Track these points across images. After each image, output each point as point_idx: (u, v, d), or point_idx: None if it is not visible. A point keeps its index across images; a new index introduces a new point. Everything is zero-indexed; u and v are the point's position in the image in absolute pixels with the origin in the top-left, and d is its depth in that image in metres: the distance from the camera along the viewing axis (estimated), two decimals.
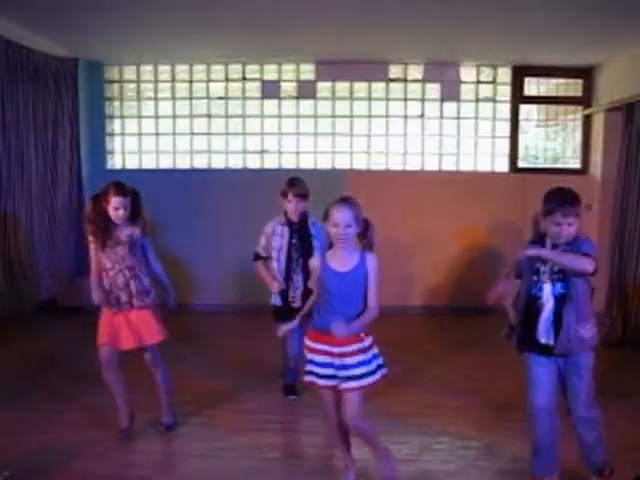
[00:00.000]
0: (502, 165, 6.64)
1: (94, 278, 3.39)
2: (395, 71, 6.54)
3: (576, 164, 6.63)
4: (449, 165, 6.64)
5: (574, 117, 6.63)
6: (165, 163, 6.74)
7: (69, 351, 5.12)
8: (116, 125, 6.77)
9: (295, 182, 3.86)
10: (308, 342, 2.77)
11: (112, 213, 3.29)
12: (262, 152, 6.69)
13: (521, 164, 6.67)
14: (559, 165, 6.74)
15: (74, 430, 3.51)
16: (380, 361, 2.76)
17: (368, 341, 2.71)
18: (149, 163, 6.76)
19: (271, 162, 6.70)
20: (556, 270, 2.63)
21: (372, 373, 2.71)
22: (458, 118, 6.59)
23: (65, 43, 5.75)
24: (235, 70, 6.59)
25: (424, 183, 6.44)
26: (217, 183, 6.43)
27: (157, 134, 6.73)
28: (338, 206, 2.69)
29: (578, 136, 6.62)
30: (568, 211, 2.59)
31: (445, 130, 6.60)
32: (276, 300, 3.90)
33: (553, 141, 6.87)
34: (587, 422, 2.74)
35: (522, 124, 6.64)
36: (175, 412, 3.61)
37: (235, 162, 6.71)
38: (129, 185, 3.38)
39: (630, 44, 5.36)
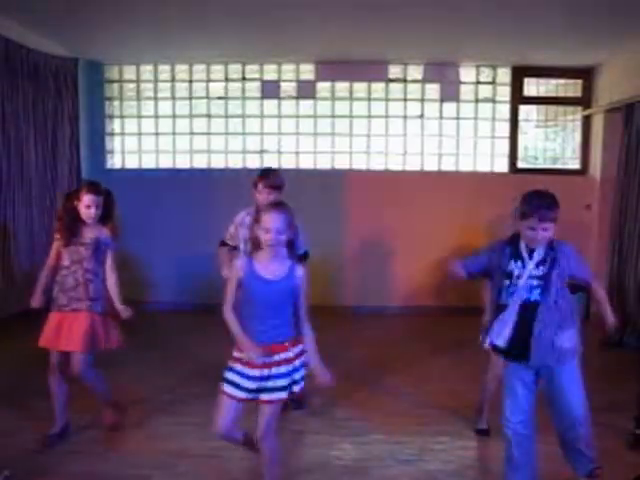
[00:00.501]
0: (501, 165, 6.65)
1: (43, 279, 3.31)
2: (395, 71, 6.54)
3: (575, 165, 6.63)
4: (449, 165, 6.64)
5: (573, 118, 6.63)
6: (165, 163, 6.75)
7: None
8: (116, 125, 6.77)
9: (268, 173, 3.67)
10: (237, 354, 2.56)
11: (83, 211, 3.22)
12: (262, 152, 6.70)
13: (521, 165, 6.68)
14: (559, 166, 6.75)
15: (74, 430, 3.49)
16: (299, 375, 2.61)
17: (293, 352, 2.58)
18: (149, 163, 6.76)
19: (271, 162, 6.67)
20: (535, 275, 2.53)
21: (293, 385, 2.59)
22: (458, 118, 6.59)
23: (65, 42, 5.76)
24: (235, 70, 6.60)
25: (424, 183, 6.44)
26: (217, 183, 6.43)
27: (157, 134, 6.73)
28: (271, 211, 2.54)
29: (578, 136, 6.63)
30: (544, 216, 2.47)
31: (445, 130, 6.61)
32: None
33: (553, 142, 6.87)
34: (584, 437, 2.62)
35: (522, 124, 6.64)
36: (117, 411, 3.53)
37: (235, 162, 6.72)
38: (104, 186, 3.33)
39: (630, 44, 5.37)
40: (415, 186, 6.39)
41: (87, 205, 3.21)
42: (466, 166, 6.64)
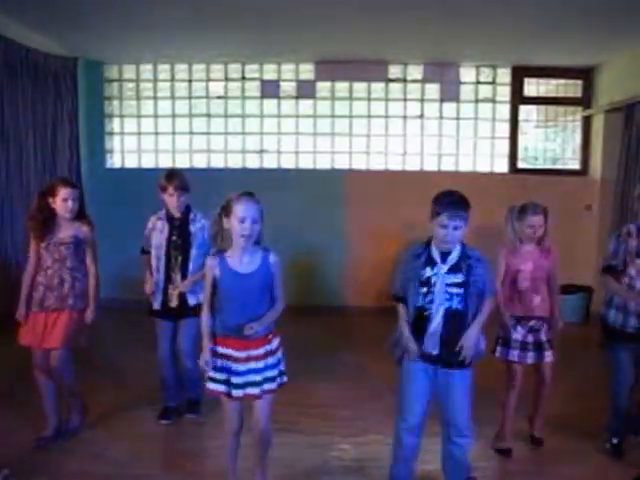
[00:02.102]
0: (501, 166, 6.64)
1: (26, 289, 3.25)
2: (394, 71, 6.54)
3: (575, 165, 6.62)
4: (448, 166, 6.64)
5: (574, 118, 6.62)
6: (164, 162, 6.73)
7: None
8: (115, 124, 6.76)
9: (174, 174, 3.57)
10: (214, 347, 2.55)
11: (61, 205, 3.18)
12: (261, 152, 6.69)
13: (521, 165, 6.67)
14: (559, 166, 6.75)
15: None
16: (282, 367, 2.63)
17: (275, 343, 2.59)
18: (148, 162, 6.75)
19: (270, 162, 6.69)
20: (452, 283, 2.51)
21: (279, 376, 2.60)
22: (458, 119, 6.59)
23: (65, 42, 5.75)
24: (234, 70, 6.59)
25: (423, 183, 6.42)
26: (216, 182, 6.38)
27: (156, 133, 6.72)
28: (244, 200, 2.46)
29: (578, 137, 6.62)
30: (455, 213, 2.47)
31: (444, 130, 6.60)
32: (153, 299, 3.58)
33: (553, 142, 6.86)
34: (468, 437, 2.65)
35: (522, 125, 6.64)
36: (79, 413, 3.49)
37: (234, 162, 6.71)
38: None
39: (630, 44, 5.37)
40: (415, 186, 6.37)
41: (64, 199, 3.17)
42: (466, 166, 6.63)
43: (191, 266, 3.48)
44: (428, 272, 2.53)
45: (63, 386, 3.32)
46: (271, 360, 2.56)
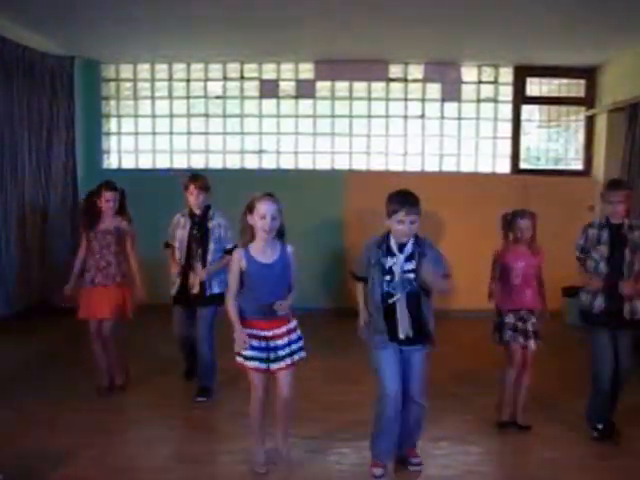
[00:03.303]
0: (503, 166, 6.59)
1: (77, 269, 4.00)
2: (395, 71, 6.49)
3: (578, 165, 6.58)
4: (450, 166, 6.58)
5: (576, 118, 6.58)
6: (162, 163, 6.68)
7: (63, 353, 5.06)
8: (112, 124, 6.71)
9: (197, 176, 4.05)
10: (246, 328, 2.91)
11: (104, 204, 3.96)
12: (260, 152, 6.63)
13: (523, 165, 6.62)
14: (561, 166, 6.69)
15: (70, 432, 3.45)
16: (301, 343, 3.01)
17: (293, 323, 2.99)
18: (146, 163, 6.70)
19: (269, 162, 6.64)
20: (408, 269, 2.84)
21: (299, 350, 2.98)
22: (459, 118, 6.53)
23: (61, 41, 5.71)
24: (233, 69, 6.54)
25: (424, 184, 6.35)
26: (215, 183, 6.33)
27: (154, 133, 6.67)
28: (264, 199, 2.88)
29: (580, 137, 6.58)
30: (411, 209, 2.82)
31: (446, 131, 6.55)
32: (175, 288, 4.03)
33: (555, 142, 6.81)
34: (420, 406, 2.97)
35: (524, 125, 6.58)
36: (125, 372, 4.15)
37: (233, 162, 6.66)
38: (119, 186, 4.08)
39: (633, 43, 5.32)
40: (416, 187, 6.28)
41: (107, 199, 3.97)
42: (467, 167, 6.58)
43: (209, 257, 3.92)
44: (389, 262, 2.87)
45: (111, 350, 4.00)
46: (293, 337, 2.96)
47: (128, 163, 6.73)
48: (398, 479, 3.04)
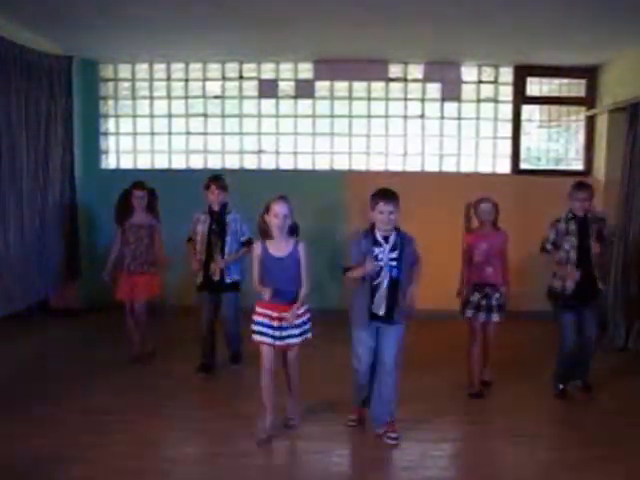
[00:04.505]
0: (504, 166, 6.56)
1: (113, 259, 4.79)
2: (395, 70, 6.46)
3: (579, 166, 6.55)
4: (450, 166, 6.56)
5: (577, 118, 6.55)
6: (160, 163, 6.65)
7: (61, 354, 5.06)
8: (110, 124, 6.69)
9: (217, 177, 4.60)
10: (260, 310, 3.44)
11: (135, 202, 4.72)
12: (259, 152, 6.61)
13: (523, 166, 6.59)
14: (562, 167, 6.66)
15: (66, 435, 3.44)
16: (308, 326, 3.54)
17: (303, 309, 3.48)
18: (144, 163, 6.67)
19: (268, 163, 6.61)
20: (394, 258, 3.35)
21: (305, 332, 3.52)
22: (459, 118, 6.51)
23: (59, 41, 5.68)
24: (232, 69, 6.51)
25: (424, 185, 6.34)
26: None
27: (152, 134, 6.64)
28: (279, 201, 3.39)
29: (581, 137, 6.55)
30: (389, 200, 3.32)
31: (446, 131, 6.52)
32: (199, 278, 4.58)
33: (556, 142, 6.78)
34: (392, 376, 3.44)
35: (524, 125, 6.56)
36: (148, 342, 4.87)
37: (232, 162, 6.63)
38: (148, 186, 4.82)
39: (634, 43, 5.29)
40: (416, 187, 6.27)
41: (136, 197, 4.72)
42: (467, 167, 6.55)
43: (227, 249, 4.47)
44: (376, 251, 3.34)
45: (142, 325, 4.79)
46: (302, 319, 3.48)
47: (126, 163, 6.70)
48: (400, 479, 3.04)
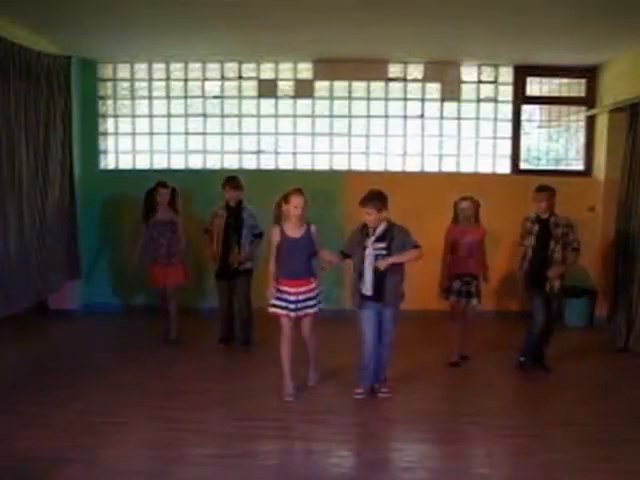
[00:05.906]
0: (504, 166, 6.56)
1: (139, 251, 5.37)
2: (394, 70, 6.45)
3: (579, 166, 6.55)
4: (449, 166, 6.55)
5: (577, 118, 6.54)
6: (159, 163, 6.64)
7: (59, 355, 5.06)
8: (109, 124, 6.67)
9: (233, 177, 5.17)
10: (278, 286, 4.08)
11: (159, 197, 5.27)
12: (258, 152, 6.59)
13: (523, 166, 6.59)
14: (562, 167, 6.66)
15: (64, 436, 3.43)
16: (321, 298, 4.21)
17: (314, 283, 4.16)
18: (143, 163, 6.66)
19: (268, 163, 6.59)
20: (382, 247, 3.93)
21: (317, 304, 4.16)
22: (459, 118, 6.50)
23: (58, 40, 5.67)
24: (231, 68, 6.50)
25: (424, 185, 6.32)
26: (213, 184, 6.29)
27: (151, 134, 6.63)
28: (296, 193, 4.03)
29: (581, 137, 6.55)
30: (365, 205, 3.95)
31: (445, 131, 6.52)
32: (216, 266, 5.24)
33: (556, 142, 6.78)
34: (388, 345, 4.07)
35: (524, 125, 6.55)
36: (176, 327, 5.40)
37: (231, 162, 6.61)
38: (170, 185, 5.37)
39: (634, 43, 5.29)
40: (415, 187, 6.26)
41: (160, 194, 5.28)
42: (467, 167, 6.55)
43: (242, 240, 5.07)
44: (367, 241, 3.97)
45: (172, 309, 5.37)
46: (314, 293, 4.15)
47: (125, 163, 6.69)
48: None
